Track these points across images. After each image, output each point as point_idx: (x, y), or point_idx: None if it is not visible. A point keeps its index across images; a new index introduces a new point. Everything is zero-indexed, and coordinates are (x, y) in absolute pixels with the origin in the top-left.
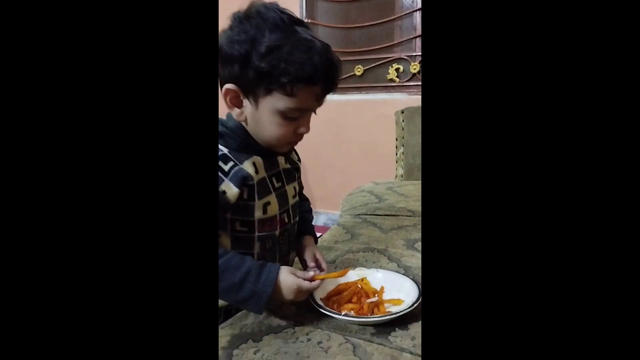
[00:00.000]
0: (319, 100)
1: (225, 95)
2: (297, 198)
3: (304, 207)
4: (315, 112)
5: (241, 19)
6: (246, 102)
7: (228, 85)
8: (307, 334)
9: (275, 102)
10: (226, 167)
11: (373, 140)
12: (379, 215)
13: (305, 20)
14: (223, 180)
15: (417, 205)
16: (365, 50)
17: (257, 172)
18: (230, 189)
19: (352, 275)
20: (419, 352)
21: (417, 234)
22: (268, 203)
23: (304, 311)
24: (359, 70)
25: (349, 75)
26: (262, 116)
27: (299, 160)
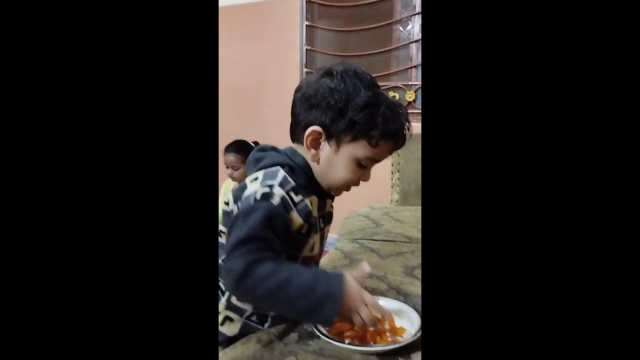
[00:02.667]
0: (389, 155)
1: (308, 136)
2: (326, 238)
3: None
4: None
5: (339, 73)
6: (324, 145)
7: (315, 127)
8: None
9: (356, 150)
10: (297, 199)
11: None
12: (376, 240)
13: (305, 48)
14: (292, 209)
15: (414, 232)
16: None
17: (313, 209)
18: (296, 220)
19: None
20: None
21: (416, 261)
22: (315, 242)
23: (306, 338)
24: None
25: None
26: (339, 160)
27: None
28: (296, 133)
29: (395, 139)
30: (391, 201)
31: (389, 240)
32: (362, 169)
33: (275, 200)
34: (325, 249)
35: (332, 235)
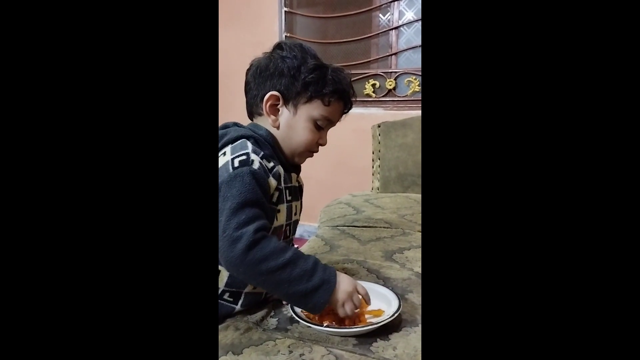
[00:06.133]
0: (340, 116)
1: (266, 102)
2: (297, 216)
3: None
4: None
5: (288, 45)
6: (283, 110)
7: (272, 92)
8: (289, 346)
9: (312, 110)
10: (269, 165)
11: (349, 153)
12: (357, 226)
13: (285, 35)
14: (269, 175)
15: (393, 217)
16: (343, 66)
17: (279, 180)
18: (272, 185)
19: None
20: None
21: (395, 245)
22: (279, 211)
23: (285, 323)
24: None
25: None
26: (298, 122)
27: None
28: (253, 107)
29: (343, 99)
30: (372, 189)
31: (369, 227)
32: (319, 130)
33: (255, 165)
34: (304, 237)
35: (311, 223)
